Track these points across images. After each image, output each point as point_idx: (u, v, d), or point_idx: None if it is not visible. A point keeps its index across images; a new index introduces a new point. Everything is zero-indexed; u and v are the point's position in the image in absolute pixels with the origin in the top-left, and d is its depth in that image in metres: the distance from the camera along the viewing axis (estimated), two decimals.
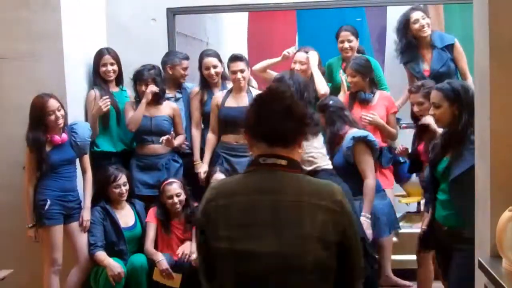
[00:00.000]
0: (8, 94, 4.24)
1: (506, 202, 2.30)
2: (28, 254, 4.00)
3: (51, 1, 4.21)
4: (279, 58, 4.71)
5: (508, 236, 2.25)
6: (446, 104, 3.08)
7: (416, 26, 4.55)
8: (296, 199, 1.85)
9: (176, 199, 4.26)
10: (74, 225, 4.10)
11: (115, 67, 4.52)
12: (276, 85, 2.57)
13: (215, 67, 4.58)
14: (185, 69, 4.74)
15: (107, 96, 4.41)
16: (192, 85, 4.84)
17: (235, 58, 4.43)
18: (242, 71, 4.41)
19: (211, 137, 4.56)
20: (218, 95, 4.58)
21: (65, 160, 4.05)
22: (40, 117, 3.92)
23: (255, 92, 4.49)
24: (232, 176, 2.27)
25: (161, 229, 4.33)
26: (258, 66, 4.74)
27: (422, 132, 3.77)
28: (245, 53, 5.46)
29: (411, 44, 4.61)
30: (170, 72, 4.68)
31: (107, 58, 4.49)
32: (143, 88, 4.45)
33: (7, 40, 4.25)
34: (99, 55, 4.51)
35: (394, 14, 5.02)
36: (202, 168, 4.44)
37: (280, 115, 1.91)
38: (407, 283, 4.40)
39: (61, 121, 3.99)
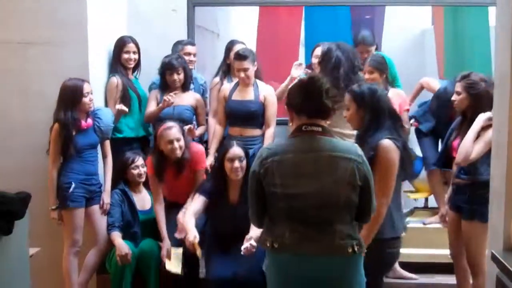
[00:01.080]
0: (32, 80, 4.31)
1: None
2: (49, 236, 4.08)
3: None
4: (286, 82, 4.73)
5: None
6: (354, 106, 3.20)
7: None
8: (331, 154, 2.53)
9: (176, 144, 4.13)
10: (95, 208, 4.21)
11: (137, 56, 4.62)
12: (314, 73, 2.92)
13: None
14: (188, 54, 4.79)
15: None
16: (201, 77, 4.96)
17: (239, 57, 4.45)
18: (245, 70, 4.43)
19: (218, 128, 4.61)
20: (226, 87, 4.65)
21: (89, 144, 4.15)
22: (73, 100, 4.01)
23: (262, 85, 4.56)
24: (280, 140, 2.89)
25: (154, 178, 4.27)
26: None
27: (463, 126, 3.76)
28: (253, 45, 5.60)
29: None
30: None
31: (131, 46, 4.57)
32: (174, 76, 4.51)
33: (32, 27, 4.32)
34: (123, 42, 4.59)
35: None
36: (208, 161, 4.47)
37: (320, 95, 2.57)
38: (413, 276, 4.50)
39: (92, 105, 4.12)
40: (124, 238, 4.22)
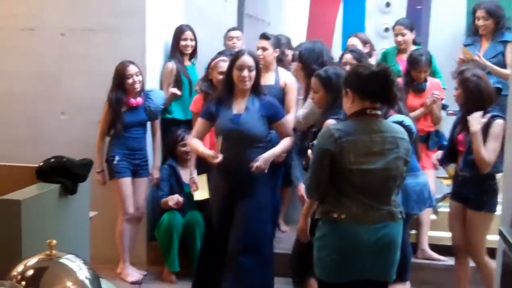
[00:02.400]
0: (95, 62, 4.73)
1: None
2: (105, 202, 4.42)
3: None
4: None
5: None
6: (322, 90, 3.54)
7: (478, 22, 4.94)
8: (392, 135, 2.86)
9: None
10: (139, 180, 4.62)
11: (193, 43, 4.95)
12: (384, 64, 3.11)
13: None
14: (231, 38, 5.12)
15: None
16: None
17: (260, 36, 4.65)
18: (263, 48, 4.55)
19: None
20: None
21: (137, 122, 4.53)
22: (121, 80, 4.42)
23: (283, 71, 4.66)
24: (344, 122, 3.00)
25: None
26: None
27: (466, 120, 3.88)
28: (303, 35, 5.87)
29: (475, 31, 5.01)
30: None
31: (189, 34, 4.91)
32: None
33: (96, 15, 4.76)
34: (181, 30, 4.93)
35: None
36: None
37: (391, 84, 2.82)
38: (441, 257, 4.70)
39: (138, 85, 4.46)
40: (171, 209, 4.62)
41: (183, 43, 4.92)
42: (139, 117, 4.56)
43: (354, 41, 5.16)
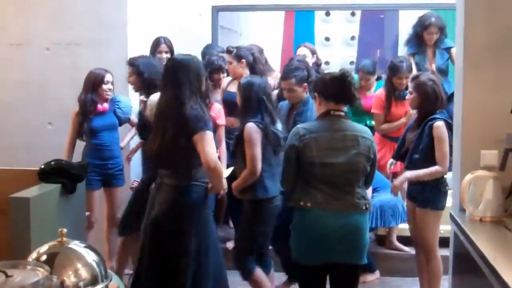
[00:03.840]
0: (80, 74, 4.79)
1: (472, 167, 3.10)
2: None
3: None
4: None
5: (468, 193, 3.03)
6: (239, 97, 3.95)
7: (428, 36, 5.36)
8: (354, 133, 3.21)
9: None
10: (113, 189, 4.66)
11: (169, 55, 5.19)
12: (345, 69, 3.40)
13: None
14: (160, 52, 5.22)
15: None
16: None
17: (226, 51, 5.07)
18: (229, 62, 5.01)
19: None
20: (226, 79, 5.17)
21: (105, 125, 4.59)
22: (98, 85, 4.53)
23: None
24: (311, 122, 3.44)
25: None
26: None
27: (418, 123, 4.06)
28: (278, 45, 6.23)
29: (419, 40, 5.43)
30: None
31: (163, 47, 5.19)
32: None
33: (82, 29, 5.07)
34: (157, 43, 5.21)
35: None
36: None
37: (350, 87, 3.21)
38: (406, 248, 5.01)
39: (110, 94, 4.61)
40: None
41: (158, 55, 5.11)
42: (109, 121, 4.63)
43: (304, 51, 5.48)
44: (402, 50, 6.01)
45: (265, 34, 6.91)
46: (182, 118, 3.23)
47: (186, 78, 3.29)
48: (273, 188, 3.83)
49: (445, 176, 3.94)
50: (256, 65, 5.01)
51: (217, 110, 4.56)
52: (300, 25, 6.74)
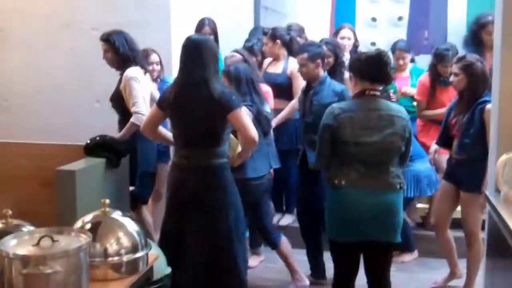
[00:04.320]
0: None
1: (509, 148, 3.10)
2: None
3: None
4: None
5: (503, 174, 3.04)
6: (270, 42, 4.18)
7: (486, 36, 4.97)
8: (389, 113, 3.24)
9: None
10: (160, 165, 4.68)
11: (212, 37, 5.19)
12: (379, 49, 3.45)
13: None
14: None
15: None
16: None
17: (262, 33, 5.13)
18: (266, 43, 5.07)
19: None
20: (267, 60, 5.24)
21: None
22: None
23: (292, 61, 4.87)
24: (347, 101, 3.55)
25: None
26: None
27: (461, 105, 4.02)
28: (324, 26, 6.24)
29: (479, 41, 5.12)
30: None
31: (206, 29, 5.28)
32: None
33: (125, 10, 5.21)
34: (201, 25, 5.32)
35: None
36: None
37: (386, 66, 3.25)
38: None
39: (155, 74, 4.73)
40: None
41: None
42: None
43: (348, 33, 5.49)
44: (451, 35, 5.93)
45: (311, 15, 6.90)
46: (212, 98, 3.32)
47: (210, 58, 3.39)
48: (262, 167, 4.02)
49: None
50: (293, 44, 5.02)
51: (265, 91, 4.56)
52: (341, 5, 6.68)
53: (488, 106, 3.73)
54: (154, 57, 4.80)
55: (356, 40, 5.61)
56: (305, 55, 4.21)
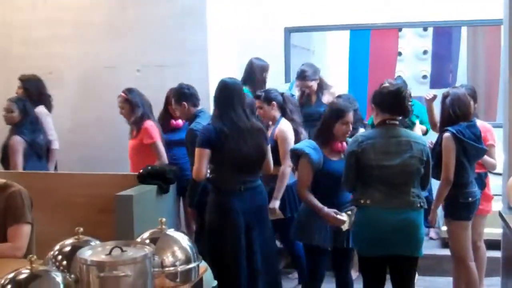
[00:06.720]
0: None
1: None
2: None
3: (200, 23, 5.59)
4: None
5: None
6: (265, 105, 4.69)
7: None
8: (407, 139, 3.60)
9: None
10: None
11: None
12: (399, 84, 3.91)
13: None
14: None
15: None
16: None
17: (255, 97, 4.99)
18: (259, 107, 4.80)
19: None
20: None
21: (174, 140, 4.93)
22: (167, 101, 5.07)
23: (281, 122, 4.73)
24: (368, 130, 4.09)
25: None
26: None
27: None
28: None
29: None
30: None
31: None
32: None
33: (168, 52, 5.68)
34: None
35: None
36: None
37: (404, 100, 3.63)
38: None
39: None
40: None
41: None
42: (178, 137, 4.92)
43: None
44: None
45: (338, 52, 7.11)
46: (259, 130, 4.03)
47: (243, 96, 4.11)
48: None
49: (467, 189, 4.07)
50: (286, 104, 4.88)
51: None
52: (355, 42, 6.82)
53: (445, 134, 4.10)
54: None
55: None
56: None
